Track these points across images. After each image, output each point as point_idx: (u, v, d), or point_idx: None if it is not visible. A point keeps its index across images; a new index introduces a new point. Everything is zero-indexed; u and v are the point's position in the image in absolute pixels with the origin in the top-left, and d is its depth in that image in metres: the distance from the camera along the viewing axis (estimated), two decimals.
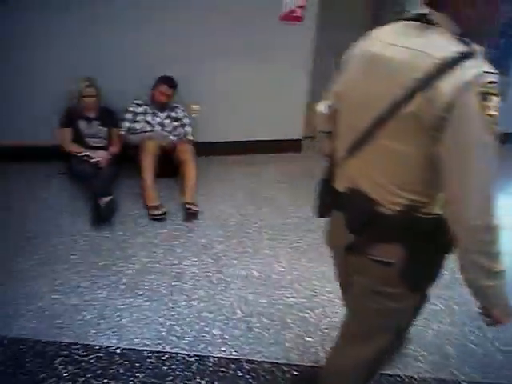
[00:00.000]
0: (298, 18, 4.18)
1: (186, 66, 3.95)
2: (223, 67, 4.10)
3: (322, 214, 1.43)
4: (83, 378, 1.78)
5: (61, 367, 1.82)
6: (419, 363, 2.05)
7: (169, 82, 3.68)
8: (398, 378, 1.94)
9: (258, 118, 4.46)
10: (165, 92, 3.66)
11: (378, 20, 4.66)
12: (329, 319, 2.27)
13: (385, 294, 1.22)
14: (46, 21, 3.53)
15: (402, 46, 1.06)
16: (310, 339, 2.13)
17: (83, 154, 3.41)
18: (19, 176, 3.63)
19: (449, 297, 2.49)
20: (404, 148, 1.06)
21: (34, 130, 3.79)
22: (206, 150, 4.09)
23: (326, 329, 2.20)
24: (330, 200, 1.34)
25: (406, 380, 1.94)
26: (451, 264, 1.19)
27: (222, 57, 4.06)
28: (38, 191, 3.41)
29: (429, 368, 2.02)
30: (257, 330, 2.16)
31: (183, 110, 3.87)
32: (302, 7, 4.13)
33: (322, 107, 1.42)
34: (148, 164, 3.33)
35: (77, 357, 1.89)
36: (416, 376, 1.97)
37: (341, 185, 1.27)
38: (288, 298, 2.43)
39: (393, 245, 1.15)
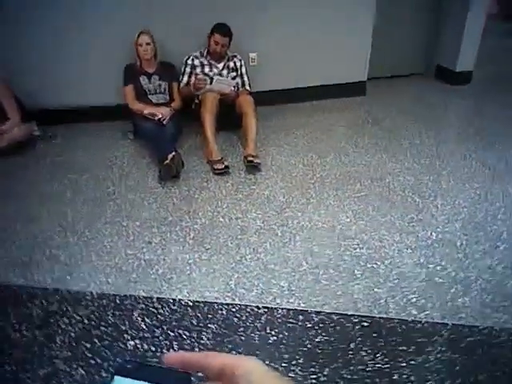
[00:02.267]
0: None
1: (243, 13, 3.80)
2: (280, 10, 3.90)
3: None
4: (160, 330, 1.88)
5: (139, 319, 1.94)
6: (499, 314, 1.95)
7: (222, 30, 3.54)
8: (474, 329, 1.87)
9: (319, 62, 4.26)
10: (219, 41, 3.54)
11: None
12: (398, 270, 2.20)
13: None
14: None
15: None
16: (378, 290, 2.09)
17: (147, 112, 3.45)
18: (86, 136, 3.81)
19: None
20: None
21: (97, 90, 3.91)
22: (265, 99, 4.00)
23: (396, 279, 2.14)
24: None
25: (485, 331, 1.86)
26: None
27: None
28: (104, 151, 3.56)
29: (509, 318, 1.92)
30: (324, 281, 2.15)
31: (240, 60, 3.76)
32: None
33: None
34: (208, 118, 3.31)
35: (153, 310, 2.00)
36: (496, 327, 1.88)
37: None
38: (355, 248, 2.38)
39: None
